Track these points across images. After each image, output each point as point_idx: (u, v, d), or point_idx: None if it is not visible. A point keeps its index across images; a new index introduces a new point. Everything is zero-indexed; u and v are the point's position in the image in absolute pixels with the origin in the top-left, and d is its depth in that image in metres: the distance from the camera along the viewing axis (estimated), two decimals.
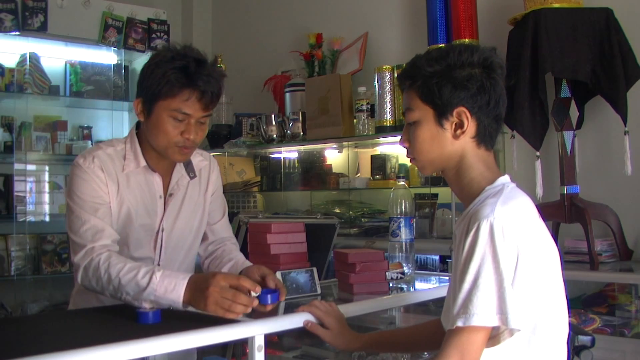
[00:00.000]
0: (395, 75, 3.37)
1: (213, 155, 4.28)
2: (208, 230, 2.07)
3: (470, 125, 1.42)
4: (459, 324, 1.28)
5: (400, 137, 1.57)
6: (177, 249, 1.97)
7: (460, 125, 1.43)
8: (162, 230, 1.93)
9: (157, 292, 1.59)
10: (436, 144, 1.45)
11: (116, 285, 1.65)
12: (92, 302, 1.91)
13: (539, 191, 2.87)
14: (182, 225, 1.97)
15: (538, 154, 2.88)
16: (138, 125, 1.92)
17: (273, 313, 1.74)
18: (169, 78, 1.75)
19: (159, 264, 1.89)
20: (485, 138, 1.45)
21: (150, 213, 1.91)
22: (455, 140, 1.44)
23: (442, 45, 3.23)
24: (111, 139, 2.05)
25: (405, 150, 1.54)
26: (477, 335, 1.29)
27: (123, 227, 1.87)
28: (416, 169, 3.37)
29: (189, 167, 1.98)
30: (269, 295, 1.58)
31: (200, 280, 1.57)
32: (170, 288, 1.59)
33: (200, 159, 2.04)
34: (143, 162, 1.88)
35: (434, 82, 1.41)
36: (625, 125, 2.74)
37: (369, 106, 3.51)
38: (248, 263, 1.95)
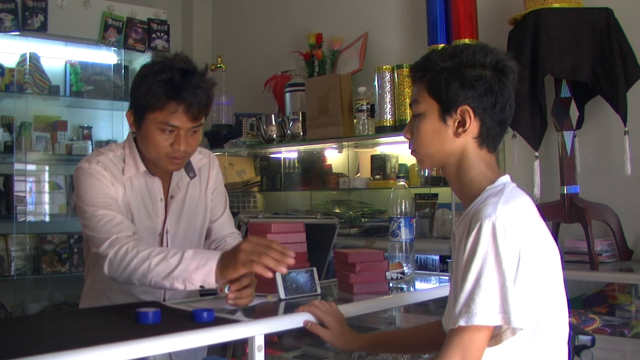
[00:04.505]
0: (396, 75, 3.38)
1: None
2: (210, 228, 2.08)
3: (472, 125, 1.42)
4: (461, 323, 1.28)
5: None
6: None
7: (462, 123, 1.43)
8: (167, 233, 1.95)
9: (189, 268, 1.62)
10: (437, 139, 1.45)
11: (146, 268, 1.66)
12: (103, 301, 1.92)
13: (537, 191, 2.87)
14: (185, 226, 1.98)
15: (537, 154, 2.88)
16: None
17: (273, 313, 1.74)
18: (155, 91, 1.75)
19: None
20: (488, 140, 1.45)
21: (151, 216, 1.92)
22: (457, 138, 1.44)
23: (442, 45, 3.25)
24: (109, 144, 2.07)
25: (408, 142, 1.53)
26: (479, 334, 1.29)
27: None
28: (416, 169, 3.38)
29: (188, 167, 1.98)
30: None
31: (232, 249, 1.64)
32: (203, 263, 1.62)
33: (200, 157, 2.05)
34: (143, 168, 1.90)
35: (443, 77, 1.42)
36: (625, 125, 2.74)
37: (369, 106, 3.51)
38: None
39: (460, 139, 1.44)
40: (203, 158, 2.06)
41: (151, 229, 1.92)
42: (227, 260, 1.62)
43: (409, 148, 1.53)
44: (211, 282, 1.64)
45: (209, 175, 2.06)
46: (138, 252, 1.69)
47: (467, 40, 3.17)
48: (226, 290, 1.69)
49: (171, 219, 1.95)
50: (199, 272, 1.62)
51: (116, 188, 1.85)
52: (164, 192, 1.95)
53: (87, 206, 1.81)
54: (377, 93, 3.44)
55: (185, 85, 1.76)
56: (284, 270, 1.58)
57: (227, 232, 2.10)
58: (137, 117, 1.83)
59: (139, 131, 1.85)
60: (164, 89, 1.75)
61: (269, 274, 1.58)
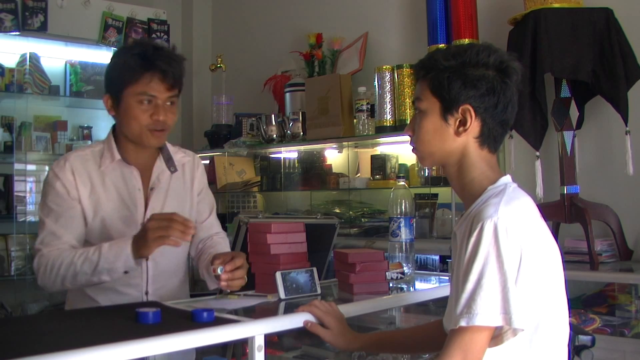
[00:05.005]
0: (396, 75, 3.38)
1: (213, 156, 4.28)
2: (196, 229, 2.09)
3: (473, 125, 1.42)
4: (462, 323, 1.28)
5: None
6: None
7: (463, 122, 1.43)
8: None
9: (109, 259, 1.75)
10: (438, 137, 1.45)
11: (73, 270, 1.78)
12: (86, 301, 1.95)
13: (539, 191, 2.88)
14: None
15: (538, 154, 2.88)
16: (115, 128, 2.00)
17: (273, 313, 1.74)
18: (129, 64, 1.85)
19: (147, 259, 1.91)
20: (489, 140, 1.45)
21: (129, 206, 1.95)
22: (457, 137, 1.44)
23: (443, 45, 3.25)
24: (96, 141, 2.14)
25: (408, 141, 1.53)
26: (480, 335, 1.29)
27: (101, 223, 1.93)
28: (416, 169, 3.38)
29: (169, 162, 2.02)
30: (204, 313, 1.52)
31: (140, 230, 1.74)
32: (119, 251, 1.74)
33: (182, 155, 2.10)
34: (118, 156, 1.95)
35: (445, 76, 1.42)
36: (627, 125, 2.74)
37: (369, 106, 3.51)
38: (226, 249, 2.02)
39: (461, 138, 1.44)
40: (186, 156, 2.11)
41: (129, 219, 1.94)
42: (139, 242, 1.72)
43: (410, 145, 1.53)
44: (132, 266, 1.76)
45: (193, 175, 2.10)
46: (63, 260, 1.80)
47: (467, 40, 3.17)
48: (219, 271, 1.75)
49: (153, 211, 1.96)
50: (118, 260, 1.74)
51: (80, 189, 1.91)
52: (143, 183, 1.98)
53: (42, 213, 1.92)
54: (377, 93, 3.44)
55: (158, 56, 1.85)
56: (189, 238, 1.69)
57: (214, 231, 2.13)
58: (115, 97, 1.90)
59: (117, 112, 1.91)
60: (138, 61, 1.84)
61: (179, 244, 1.69)
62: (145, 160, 1.99)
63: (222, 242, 2.10)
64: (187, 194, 2.06)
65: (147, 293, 1.96)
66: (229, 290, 1.82)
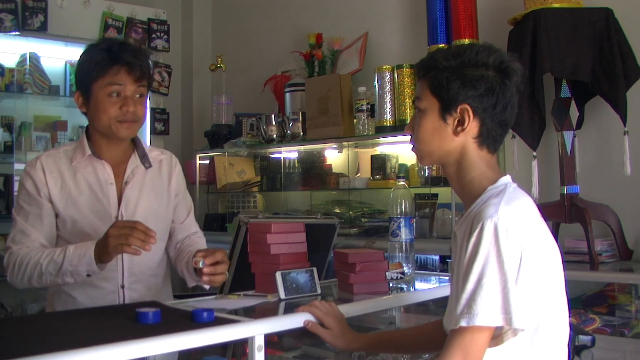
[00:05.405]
0: (395, 75, 3.38)
1: (213, 156, 4.28)
2: (174, 230, 2.12)
3: (472, 125, 1.42)
4: (463, 323, 1.28)
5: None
6: None
7: (461, 122, 1.43)
8: (122, 218, 1.97)
9: (72, 262, 1.78)
10: (436, 137, 1.46)
11: (39, 270, 1.82)
12: (63, 296, 1.98)
13: (535, 191, 2.87)
14: (144, 212, 2.00)
15: (535, 154, 2.88)
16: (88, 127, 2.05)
17: (273, 313, 1.74)
18: (96, 60, 1.91)
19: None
20: (488, 140, 1.44)
21: (101, 200, 1.97)
22: (456, 136, 1.44)
23: (443, 45, 3.24)
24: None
25: (408, 141, 1.54)
26: (480, 335, 1.29)
27: (73, 217, 1.94)
28: (416, 169, 3.38)
29: (144, 158, 2.05)
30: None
31: (103, 236, 1.75)
32: (82, 254, 1.77)
33: (159, 153, 2.13)
34: (88, 151, 1.98)
35: (445, 75, 1.42)
36: (625, 125, 2.74)
37: (369, 106, 3.51)
38: (203, 247, 2.04)
39: (459, 137, 1.44)
40: (162, 154, 2.13)
41: (102, 212, 1.96)
42: (101, 248, 1.75)
43: (410, 144, 1.54)
44: (95, 269, 1.79)
45: (171, 172, 2.12)
46: (30, 259, 1.84)
47: (467, 40, 3.17)
48: (200, 265, 1.76)
49: (128, 205, 1.99)
50: (81, 263, 1.78)
51: (50, 186, 1.94)
52: (115, 177, 2.00)
53: (14, 211, 1.97)
54: (377, 93, 3.44)
55: (124, 50, 1.92)
56: (149, 248, 1.69)
57: (192, 231, 2.16)
58: (84, 93, 1.95)
59: (88, 107, 1.96)
60: (105, 55, 1.90)
61: (139, 253, 1.70)
62: (120, 155, 2.02)
63: (199, 241, 2.13)
64: (163, 190, 2.08)
65: (122, 287, 1.98)
66: (207, 287, 1.84)
